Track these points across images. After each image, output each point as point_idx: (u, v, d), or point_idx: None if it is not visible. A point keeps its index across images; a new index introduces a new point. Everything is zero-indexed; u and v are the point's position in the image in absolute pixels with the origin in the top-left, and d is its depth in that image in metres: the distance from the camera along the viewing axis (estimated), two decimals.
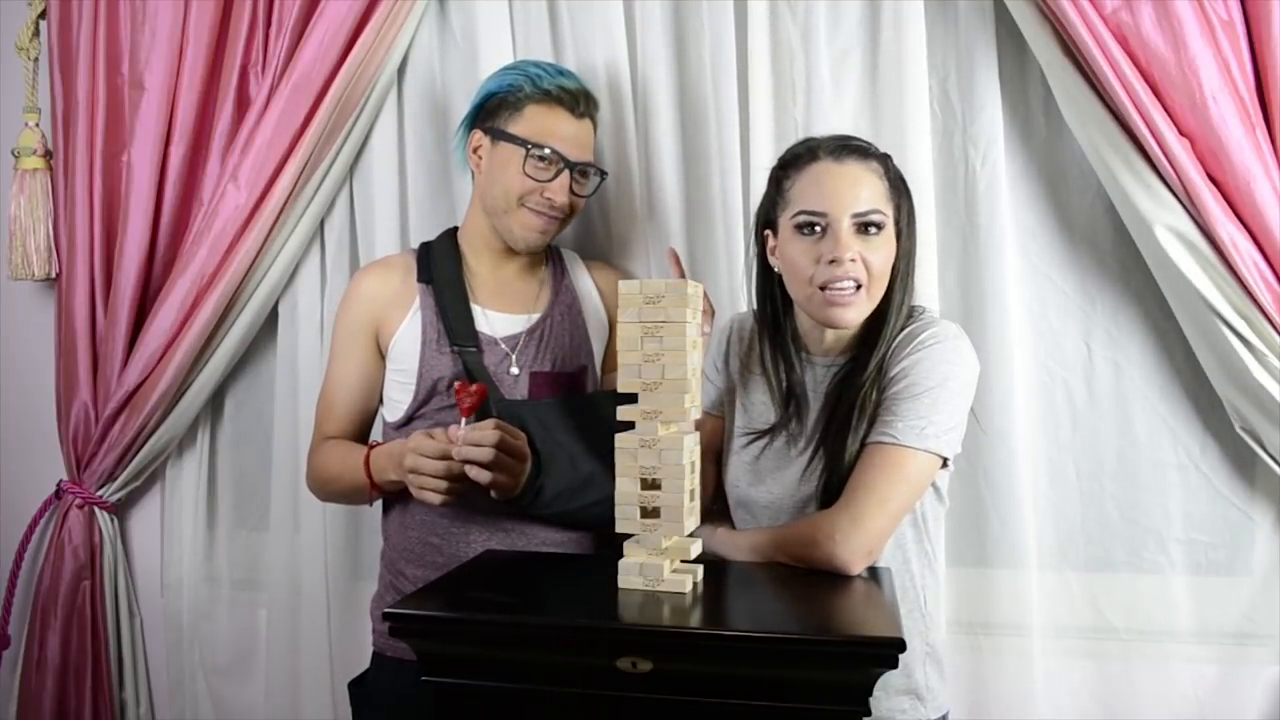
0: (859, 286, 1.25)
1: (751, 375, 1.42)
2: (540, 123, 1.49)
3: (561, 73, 1.52)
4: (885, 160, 1.31)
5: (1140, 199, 1.48)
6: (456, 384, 1.38)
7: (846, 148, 1.29)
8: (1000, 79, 1.62)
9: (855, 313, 1.27)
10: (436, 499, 1.35)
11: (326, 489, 1.57)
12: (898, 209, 1.30)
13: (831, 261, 1.24)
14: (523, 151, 1.48)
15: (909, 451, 1.22)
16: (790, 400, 1.35)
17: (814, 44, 1.65)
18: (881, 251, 1.27)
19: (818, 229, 1.26)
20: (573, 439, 1.45)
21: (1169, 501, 1.63)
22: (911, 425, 1.22)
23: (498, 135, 1.50)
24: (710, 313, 1.40)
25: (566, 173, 1.49)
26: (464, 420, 1.34)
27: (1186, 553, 1.63)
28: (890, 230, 1.28)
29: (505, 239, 1.53)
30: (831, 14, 1.66)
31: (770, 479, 1.35)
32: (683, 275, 1.42)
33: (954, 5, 1.64)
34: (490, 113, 1.52)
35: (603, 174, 1.57)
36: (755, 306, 1.41)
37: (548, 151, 1.48)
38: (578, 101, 1.51)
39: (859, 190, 1.26)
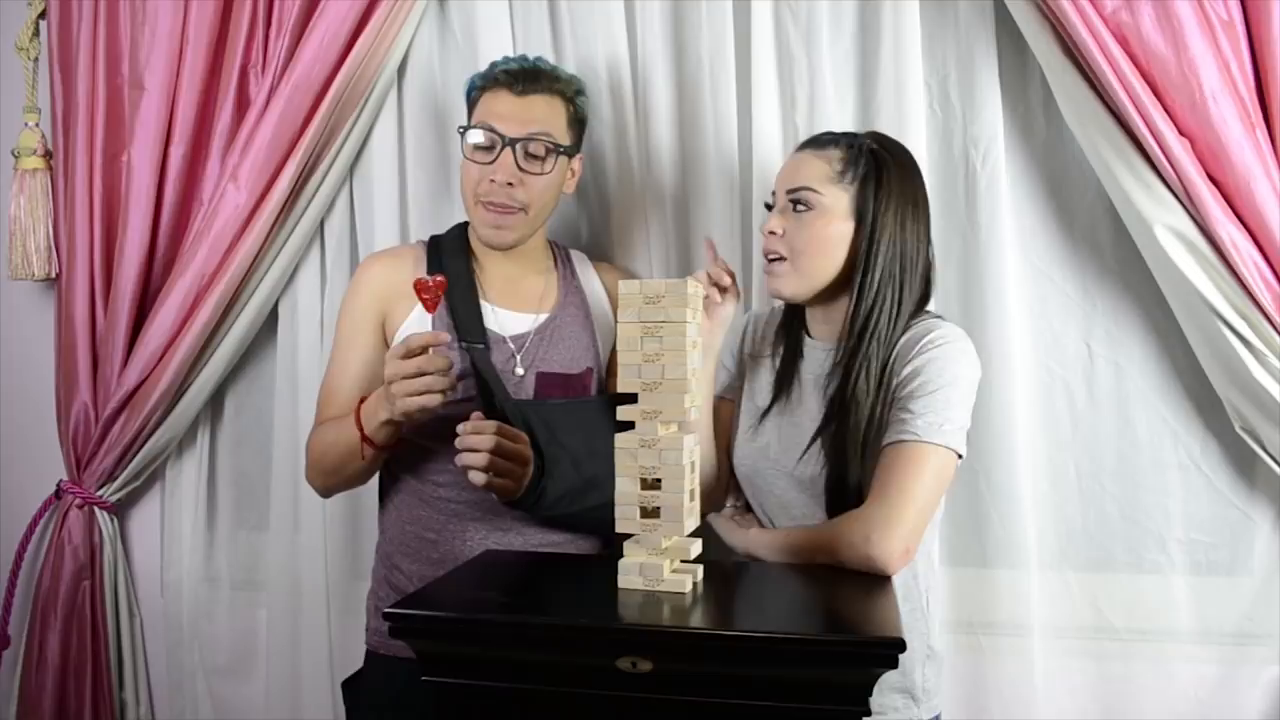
0: (783, 259, 1.34)
1: (760, 360, 1.46)
2: (484, 106, 1.50)
3: (517, 59, 1.52)
4: (852, 147, 1.34)
5: (1140, 199, 1.48)
6: (415, 281, 1.33)
7: (815, 137, 1.39)
8: (1000, 79, 1.62)
9: (785, 284, 1.36)
10: (432, 400, 1.29)
11: (322, 462, 1.49)
12: (860, 193, 1.32)
13: (764, 234, 1.37)
14: (466, 136, 1.49)
15: (931, 448, 1.23)
16: (787, 376, 1.40)
17: (816, 48, 1.65)
18: (810, 228, 1.33)
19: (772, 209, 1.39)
20: (576, 441, 1.44)
21: (1169, 501, 1.63)
22: (930, 422, 1.23)
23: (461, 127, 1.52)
24: (736, 294, 1.42)
25: (509, 150, 1.46)
26: (431, 318, 1.36)
27: (1187, 553, 1.63)
28: (830, 208, 1.32)
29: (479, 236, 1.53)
30: (833, 16, 1.66)
31: (770, 455, 1.37)
32: (715, 261, 1.42)
33: (954, 5, 1.64)
34: (468, 113, 1.55)
35: (561, 149, 1.50)
36: None
37: (479, 132, 1.47)
38: (516, 79, 1.48)
39: (798, 170, 1.35)
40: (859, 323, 1.31)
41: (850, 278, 1.33)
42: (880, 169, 1.33)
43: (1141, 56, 1.46)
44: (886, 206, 1.32)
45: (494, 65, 1.53)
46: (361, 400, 1.43)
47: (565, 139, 1.51)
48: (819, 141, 1.37)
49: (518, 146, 1.46)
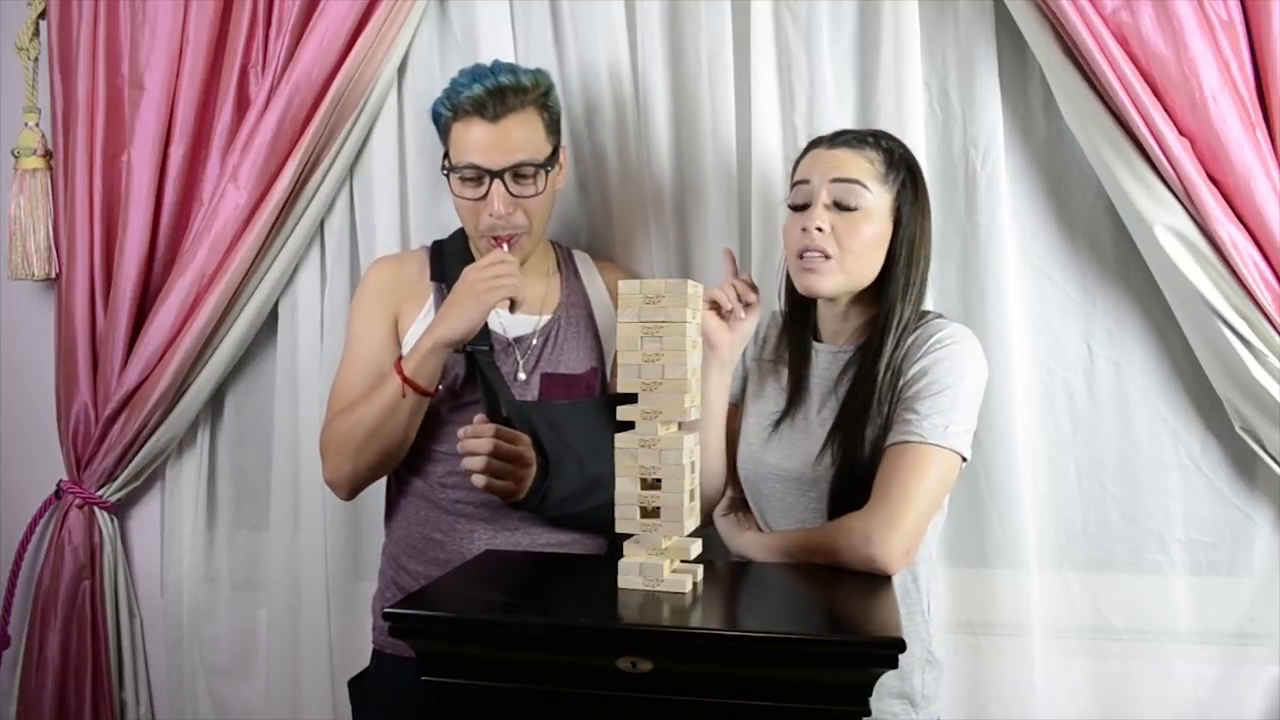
0: (829, 257, 1.29)
1: (766, 365, 1.45)
2: (460, 140, 1.46)
3: (477, 77, 1.45)
4: (888, 151, 1.33)
5: (1140, 199, 1.48)
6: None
7: (842, 135, 1.35)
8: (1000, 79, 1.62)
9: (827, 282, 1.31)
10: (514, 288, 1.38)
11: (354, 435, 1.43)
12: (898, 195, 1.32)
13: (804, 230, 1.30)
14: (452, 176, 1.47)
15: (935, 450, 1.23)
16: (799, 385, 1.38)
17: (816, 47, 1.65)
18: (860, 228, 1.30)
19: (805, 206, 1.32)
20: (581, 441, 1.45)
21: (1169, 501, 1.63)
22: (935, 424, 1.23)
23: (444, 164, 1.51)
24: (758, 308, 1.41)
25: (497, 183, 1.44)
26: (505, 246, 1.44)
27: (1187, 553, 1.63)
28: (876, 209, 1.30)
29: None
30: (833, 16, 1.66)
31: (775, 460, 1.36)
32: (736, 274, 1.41)
33: (954, 5, 1.64)
34: (441, 137, 1.52)
35: (547, 167, 1.47)
36: (783, 293, 1.44)
37: (464, 170, 1.45)
38: (486, 105, 1.43)
39: (842, 163, 1.31)
40: (886, 327, 1.30)
41: (878, 281, 1.33)
42: (913, 175, 1.34)
43: (1141, 56, 1.46)
44: (916, 213, 1.33)
45: (456, 88, 1.46)
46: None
47: (546, 150, 1.48)
48: (849, 140, 1.33)
49: (505, 176, 1.44)
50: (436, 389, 1.43)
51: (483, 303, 1.38)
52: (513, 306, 1.43)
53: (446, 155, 1.50)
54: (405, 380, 1.39)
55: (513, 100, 1.44)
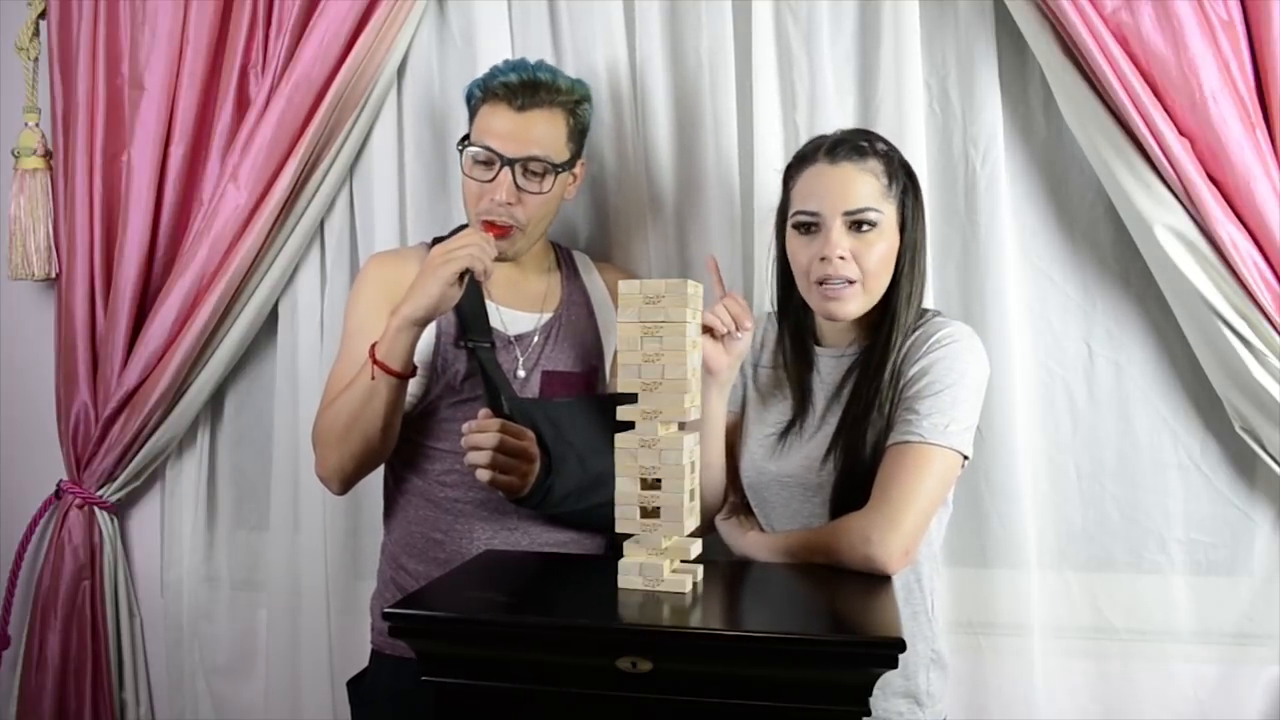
0: (852, 282, 1.29)
1: (765, 371, 1.45)
2: (483, 122, 1.48)
3: (517, 67, 1.48)
4: (887, 157, 1.33)
5: (1140, 199, 1.48)
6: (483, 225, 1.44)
7: (842, 147, 1.32)
8: (1000, 79, 1.62)
9: (852, 306, 1.31)
10: (467, 250, 1.33)
11: (335, 426, 1.42)
12: (901, 203, 1.32)
13: (823, 259, 1.29)
14: (466, 153, 1.48)
15: (935, 449, 1.23)
16: (803, 394, 1.38)
17: (816, 47, 1.65)
18: (876, 247, 1.30)
19: (813, 228, 1.31)
20: (583, 439, 1.45)
21: (1169, 501, 1.63)
22: (935, 423, 1.23)
23: (461, 141, 1.51)
24: (750, 325, 1.39)
25: (507, 170, 1.45)
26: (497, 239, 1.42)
27: (1186, 553, 1.63)
28: (887, 225, 1.31)
29: None
30: (833, 16, 1.66)
31: (779, 465, 1.36)
32: (720, 283, 1.40)
33: (954, 5, 1.64)
34: (469, 119, 1.53)
35: (559, 169, 1.48)
36: (776, 300, 1.44)
37: (479, 150, 1.46)
38: (516, 94, 1.45)
39: (850, 189, 1.30)
40: (891, 333, 1.31)
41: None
42: (910, 177, 1.34)
43: (1141, 56, 1.46)
44: (917, 216, 1.34)
45: (494, 73, 1.49)
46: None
47: (564, 154, 1.49)
48: (849, 155, 1.32)
49: (516, 166, 1.45)
50: (413, 371, 1.40)
51: (439, 276, 1.34)
52: (481, 283, 1.41)
53: (467, 136, 1.51)
54: (376, 362, 1.36)
55: (543, 96, 1.47)
